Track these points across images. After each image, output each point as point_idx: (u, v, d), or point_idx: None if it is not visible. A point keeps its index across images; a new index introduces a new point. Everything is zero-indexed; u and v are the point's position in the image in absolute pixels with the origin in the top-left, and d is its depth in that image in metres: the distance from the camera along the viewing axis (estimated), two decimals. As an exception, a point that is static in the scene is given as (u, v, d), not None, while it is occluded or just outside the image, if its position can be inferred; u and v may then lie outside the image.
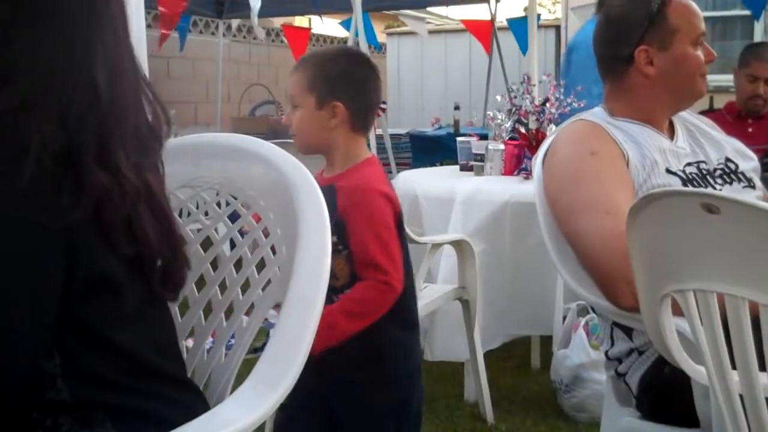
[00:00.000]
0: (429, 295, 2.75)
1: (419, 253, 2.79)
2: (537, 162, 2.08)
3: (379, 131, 5.51)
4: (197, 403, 1.27)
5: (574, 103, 3.52)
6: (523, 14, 8.27)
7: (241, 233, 1.49)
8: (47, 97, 1.10)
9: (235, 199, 1.48)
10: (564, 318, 3.19)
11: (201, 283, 1.46)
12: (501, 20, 8.24)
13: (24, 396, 1.09)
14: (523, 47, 6.50)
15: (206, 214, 1.52)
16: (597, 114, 2.06)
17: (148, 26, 4.93)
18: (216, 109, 8.04)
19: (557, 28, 10.43)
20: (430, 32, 9.92)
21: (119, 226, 1.13)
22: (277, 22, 10.30)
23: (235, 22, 8.78)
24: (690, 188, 1.84)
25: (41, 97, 1.09)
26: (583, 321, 3.04)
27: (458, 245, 2.85)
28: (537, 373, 3.52)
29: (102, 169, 1.10)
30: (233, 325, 1.40)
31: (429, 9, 11.35)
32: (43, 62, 1.11)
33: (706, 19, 2.07)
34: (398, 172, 4.79)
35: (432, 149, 6.69)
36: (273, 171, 1.41)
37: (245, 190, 1.46)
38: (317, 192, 1.36)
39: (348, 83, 2.02)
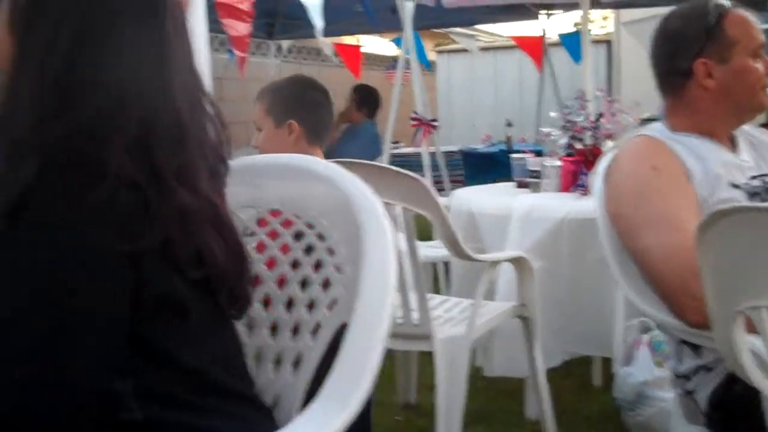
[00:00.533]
0: (488, 313, 2.73)
1: (478, 271, 2.78)
2: (598, 178, 2.06)
3: (431, 148, 5.50)
4: (265, 422, 1.27)
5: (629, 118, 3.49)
6: (573, 30, 8.23)
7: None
8: (125, 118, 1.11)
9: (299, 218, 1.48)
10: (624, 335, 3.15)
11: (266, 302, 1.47)
12: (550, 36, 8.21)
13: (98, 417, 1.10)
14: (577, 60, 6.47)
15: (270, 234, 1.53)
16: (658, 129, 2.04)
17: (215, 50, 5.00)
18: (268, 129, 8.09)
19: (608, 43, 10.37)
20: (480, 49, 9.91)
21: (189, 247, 1.14)
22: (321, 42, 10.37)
23: (285, 43, 8.86)
24: (762, 204, 1.81)
25: (118, 117, 1.11)
26: (645, 338, 3.00)
27: (517, 262, 2.83)
28: (598, 392, 3.48)
29: (184, 189, 1.11)
30: (299, 344, 1.41)
31: (478, 26, 11.34)
32: (120, 82, 1.13)
33: (765, 32, 2.04)
34: (452, 189, 4.78)
35: (484, 166, 6.67)
36: (335, 190, 1.41)
37: (307, 209, 1.46)
38: (379, 209, 1.36)
39: (298, 104, 2.56)
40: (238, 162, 1.52)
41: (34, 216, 1.05)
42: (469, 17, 8.07)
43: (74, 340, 1.05)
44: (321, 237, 1.44)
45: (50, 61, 1.12)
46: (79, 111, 1.10)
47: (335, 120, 6.27)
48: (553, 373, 3.24)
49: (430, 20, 6.51)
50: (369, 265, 1.30)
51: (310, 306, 1.42)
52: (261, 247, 1.51)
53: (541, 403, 2.98)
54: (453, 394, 2.52)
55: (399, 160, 6.01)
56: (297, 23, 7.54)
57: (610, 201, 1.96)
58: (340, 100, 6.78)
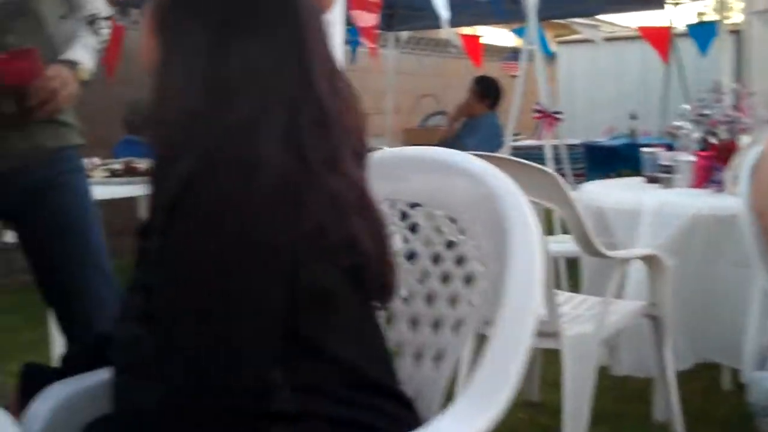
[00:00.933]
0: (618, 311, 2.67)
1: (607, 268, 2.72)
2: (744, 174, 1.99)
3: (555, 141, 5.42)
4: (409, 416, 1.27)
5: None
6: (697, 20, 7.98)
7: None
8: (273, 111, 1.12)
9: (440, 212, 1.47)
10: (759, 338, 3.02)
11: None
12: (676, 26, 7.98)
13: (252, 406, 1.11)
14: (704, 51, 6.27)
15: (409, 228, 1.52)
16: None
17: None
18: (386, 121, 8.13)
19: (737, 33, 10.01)
20: (603, 40, 9.71)
21: (341, 233, 1.14)
22: (443, 33, 10.33)
23: (404, 34, 8.86)
24: None
25: (268, 110, 1.12)
26: (782, 341, 2.88)
27: (650, 260, 2.76)
28: (728, 395, 3.36)
29: (333, 175, 1.12)
30: (440, 340, 1.40)
31: (600, 17, 11.12)
32: (265, 77, 1.14)
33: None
34: (573, 183, 4.69)
35: (607, 159, 6.54)
36: (479, 184, 1.39)
37: (449, 203, 1.45)
38: (524, 204, 1.34)
39: None
40: (381, 155, 1.52)
41: (193, 211, 1.07)
42: (593, 7, 7.92)
43: (232, 331, 1.07)
44: (463, 232, 1.42)
45: (196, 62, 1.15)
46: (230, 108, 1.12)
47: (454, 112, 6.29)
48: (680, 375, 3.15)
49: (553, 10, 6.40)
50: (515, 262, 1.28)
51: (452, 301, 1.41)
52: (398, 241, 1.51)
53: (670, 406, 2.89)
54: (580, 393, 2.47)
55: (520, 152, 5.93)
56: (417, 14, 7.54)
57: (758, 197, 1.88)
58: (458, 91, 6.75)
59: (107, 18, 2.19)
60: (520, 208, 1.33)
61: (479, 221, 1.40)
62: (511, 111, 5.55)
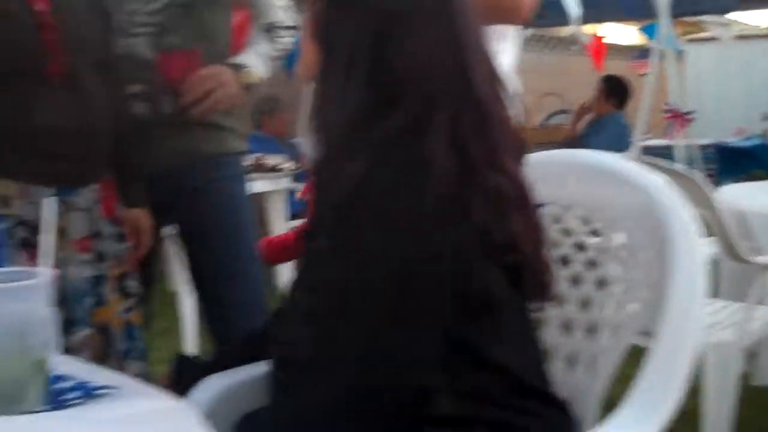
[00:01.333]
0: (761, 318, 2.58)
1: (749, 273, 2.63)
2: None
3: (686, 141, 5.28)
4: (566, 422, 1.26)
5: None
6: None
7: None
8: (438, 109, 1.13)
9: (597, 217, 1.45)
10: None
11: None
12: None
13: (412, 410, 1.12)
14: None
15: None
16: None
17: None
18: (508, 119, 8.05)
19: None
20: (732, 38, 9.40)
21: (504, 231, 1.13)
22: (565, 30, 10.20)
23: (526, 32, 8.76)
24: None
25: (433, 108, 1.12)
26: None
27: (796, 267, 2.65)
28: None
29: (495, 173, 1.12)
30: (595, 345, 1.38)
31: (729, 15, 10.77)
32: (427, 77, 1.15)
33: None
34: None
35: (739, 160, 6.33)
36: (638, 190, 1.37)
37: (607, 209, 1.42)
38: (686, 213, 1.31)
39: None
40: (538, 157, 1.51)
41: (362, 213, 1.09)
42: (725, 4, 7.67)
43: (397, 334, 1.08)
44: (619, 237, 1.40)
45: (358, 64, 1.16)
46: (396, 108, 1.13)
47: (579, 111, 6.19)
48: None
49: (685, 7, 6.23)
50: (677, 271, 1.25)
51: (607, 307, 1.39)
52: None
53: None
54: (721, 402, 2.40)
55: (650, 152, 5.80)
56: (540, 11, 7.43)
57: None
58: (583, 89, 6.64)
59: (289, 27, 2.18)
60: (682, 217, 1.30)
61: (638, 227, 1.37)
62: (641, 110, 5.43)
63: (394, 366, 1.09)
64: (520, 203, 1.19)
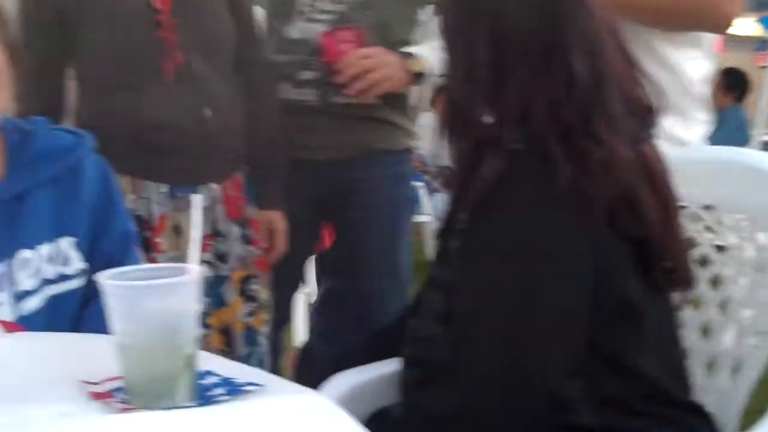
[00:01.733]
0: None
1: None
2: None
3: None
4: (705, 430, 1.21)
5: None
6: None
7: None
8: (563, 105, 1.10)
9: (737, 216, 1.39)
10: None
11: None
12: None
13: (549, 418, 1.10)
14: None
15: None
16: None
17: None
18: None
19: None
20: None
21: (620, 203, 1.10)
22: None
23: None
24: None
25: (541, 80, 1.11)
26: None
27: None
28: None
29: (593, 143, 1.08)
30: (739, 350, 1.32)
31: None
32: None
33: None
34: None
35: None
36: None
37: (750, 207, 1.37)
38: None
39: None
40: (673, 154, 1.46)
41: (497, 212, 1.07)
42: None
43: (533, 338, 1.06)
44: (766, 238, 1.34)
45: (477, 63, 1.15)
46: (528, 108, 1.11)
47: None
48: None
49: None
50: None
51: (752, 309, 1.33)
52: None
53: None
54: None
55: (769, 148, 5.61)
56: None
57: None
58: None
59: None
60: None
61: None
62: (760, 104, 5.24)
63: (529, 372, 1.07)
64: (646, 175, 1.14)
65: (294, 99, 1.92)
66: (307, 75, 1.92)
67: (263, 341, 1.83)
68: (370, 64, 1.84)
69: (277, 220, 1.86)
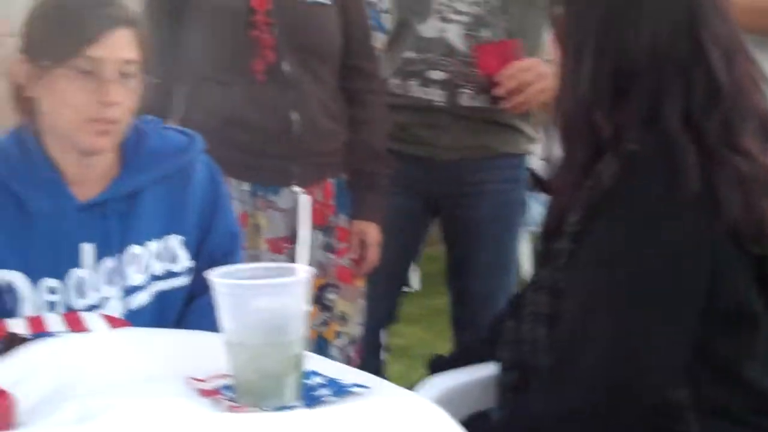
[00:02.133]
0: None
1: None
2: None
3: None
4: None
5: None
6: None
7: None
8: (672, 86, 1.09)
9: None
10: None
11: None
12: None
13: (655, 425, 1.08)
14: None
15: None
16: None
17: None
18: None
19: None
20: None
21: (751, 220, 1.07)
22: None
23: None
24: None
25: (667, 85, 1.08)
26: None
27: None
28: None
29: (735, 154, 1.06)
30: None
31: None
32: (663, 48, 1.10)
33: None
34: None
35: None
36: None
37: None
38: None
39: None
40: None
41: (613, 215, 1.06)
42: None
43: (642, 345, 1.04)
44: None
45: (586, 55, 1.13)
46: (629, 99, 1.10)
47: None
48: None
49: None
50: None
51: None
52: None
53: None
54: None
55: None
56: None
57: None
58: None
59: None
60: None
61: None
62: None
63: (636, 377, 1.05)
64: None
65: (420, 98, 1.93)
66: (436, 75, 1.92)
67: (335, 354, 1.80)
68: (529, 78, 1.85)
69: (372, 232, 1.83)
